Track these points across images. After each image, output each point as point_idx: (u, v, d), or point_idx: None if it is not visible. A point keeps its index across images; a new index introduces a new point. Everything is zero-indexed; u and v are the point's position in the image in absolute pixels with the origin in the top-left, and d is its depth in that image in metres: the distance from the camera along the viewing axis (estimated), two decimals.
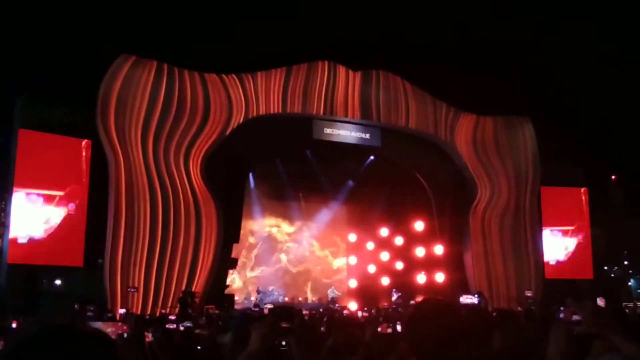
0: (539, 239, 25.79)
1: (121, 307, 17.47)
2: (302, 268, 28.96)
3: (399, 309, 19.28)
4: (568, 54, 24.08)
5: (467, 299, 20.39)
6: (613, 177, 30.31)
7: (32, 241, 18.47)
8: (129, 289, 18.19)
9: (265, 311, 14.39)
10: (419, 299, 20.86)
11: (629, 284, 32.27)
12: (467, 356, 1.95)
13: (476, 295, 21.10)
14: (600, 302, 14.29)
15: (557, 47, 23.99)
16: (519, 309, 16.72)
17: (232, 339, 3.69)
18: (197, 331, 6.66)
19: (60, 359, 1.20)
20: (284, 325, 2.34)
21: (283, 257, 28.68)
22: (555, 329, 2.43)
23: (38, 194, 18.70)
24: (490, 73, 22.67)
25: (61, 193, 19.08)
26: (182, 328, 6.88)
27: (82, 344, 1.25)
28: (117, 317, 15.34)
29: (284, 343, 2.33)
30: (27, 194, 18.47)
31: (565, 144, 24.80)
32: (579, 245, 26.88)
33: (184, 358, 3.82)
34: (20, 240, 18.31)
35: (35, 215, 18.59)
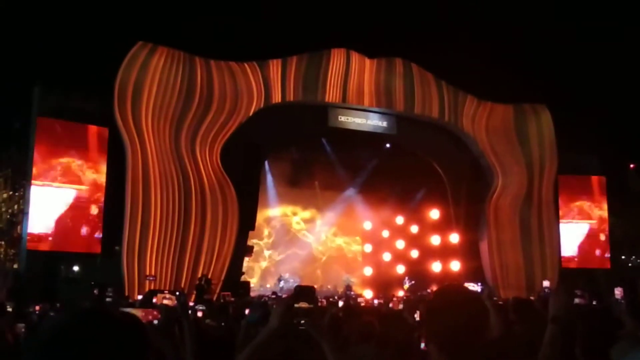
0: (555, 227, 25.65)
1: (139, 294, 17.65)
2: (317, 256, 29.03)
3: (411, 298, 19.28)
4: (585, 40, 23.77)
5: (469, 287, 20.33)
6: (631, 165, 29.96)
7: (59, 228, 18.74)
8: (147, 277, 18.34)
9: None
10: (432, 288, 20.89)
11: None
12: (485, 343, 1.96)
13: (479, 284, 21.01)
14: (618, 292, 14.23)
15: (574, 33, 23.66)
16: (531, 298, 16.68)
17: (246, 323, 3.72)
18: (207, 321, 6.66)
19: (94, 344, 1.23)
20: (303, 305, 2.36)
21: (299, 244, 28.74)
22: (557, 289, 2.53)
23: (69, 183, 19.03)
24: (507, 60, 22.41)
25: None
26: (199, 314, 6.95)
27: (114, 328, 1.27)
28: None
29: (302, 322, 2.34)
30: (56, 186, 18.75)
31: (583, 131, 24.51)
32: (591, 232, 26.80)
33: (206, 336, 3.86)
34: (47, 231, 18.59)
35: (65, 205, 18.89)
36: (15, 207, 20.28)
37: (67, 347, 1.22)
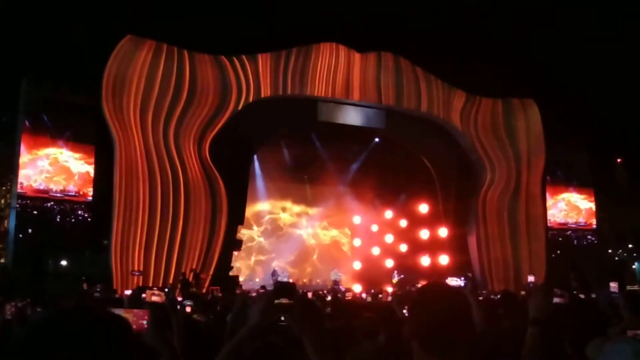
0: (543, 222, 25.80)
1: (127, 289, 17.57)
2: (307, 250, 29.03)
3: (398, 292, 19.30)
4: (573, 35, 23.83)
5: (452, 281, 20.37)
6: (618, 160, 30.20)
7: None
8: (133, 272, 18.26)
9: None
10: (421, 282, 20.95)
11: (633, 267, 32.26)
12: (469, 339, 1.97)
13: (462, 278, 21.03)
14: (614, 285, 14.33)
15: (561, 28, 23.72)
16: (522, 292, 16.77)
17: (233, 318, 3.71)
18: (195, 316, 6.61)
19: (75, 343, 1.22)
20: (284, 301, 2.34)
21: (288, 239, 28.73)
22: (536, 289, 2.55)
23: None
24: (496, 56, 22.44)
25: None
26: (188, 309, 6.93)
27: (97, 328, 1.27)
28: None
29: (282, 318, 2.32)
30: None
31: (571, 126, 24.66)
32: None
33: (194, 331, 3.85)
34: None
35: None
36: (2, 201, 20.16)
37: (48, 347, 1.21)
